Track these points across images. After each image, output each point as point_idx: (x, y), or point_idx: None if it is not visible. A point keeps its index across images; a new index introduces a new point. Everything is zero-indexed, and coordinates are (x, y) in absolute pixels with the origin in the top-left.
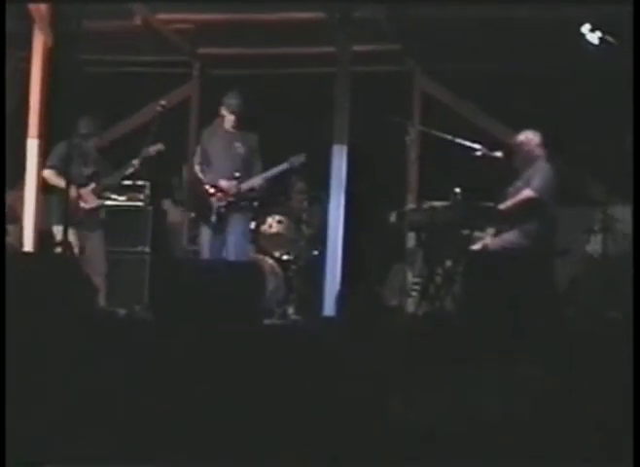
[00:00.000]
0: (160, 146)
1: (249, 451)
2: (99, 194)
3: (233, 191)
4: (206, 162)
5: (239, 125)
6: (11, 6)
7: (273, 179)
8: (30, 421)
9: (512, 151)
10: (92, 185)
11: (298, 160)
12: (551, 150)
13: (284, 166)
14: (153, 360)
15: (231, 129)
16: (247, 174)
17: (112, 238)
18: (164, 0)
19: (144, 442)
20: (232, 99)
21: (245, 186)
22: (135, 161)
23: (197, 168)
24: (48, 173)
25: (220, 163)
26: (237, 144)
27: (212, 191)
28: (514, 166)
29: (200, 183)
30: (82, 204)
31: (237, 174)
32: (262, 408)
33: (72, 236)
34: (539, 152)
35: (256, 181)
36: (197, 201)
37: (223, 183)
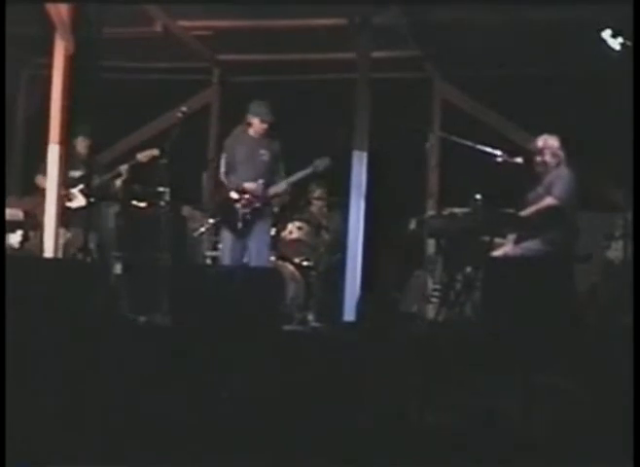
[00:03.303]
0: (153, 151)
1: (265, 455)
2: (88, 194)
3: (259, 196)
4: (231, 169)
5: (267, 133)
6: (31, 12)
7: (296, 184)
8: (31, 422)
9: (531, 156)
10: (81, 186)
11: (322, 163)
12: (572, 155)
13: (309, 170)
14: (170, 365)
15: (256, 136)
16: (271, 180)
17: (131, 244)
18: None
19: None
20: (263, 108)
21: (271, 191)
22: (123, 167)
23: (223, 175)
24: (39, 179)
25: (244, 170)
26: (262, 151)
27: (237, 197)
28: (534, 172)
29: (225, 189)
30: (68, 204)
31: (262, 180)
32: (281, 412)
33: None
34: (559, 157)
35: (281, 186)
36: (222, 208)
37: (248, 189)
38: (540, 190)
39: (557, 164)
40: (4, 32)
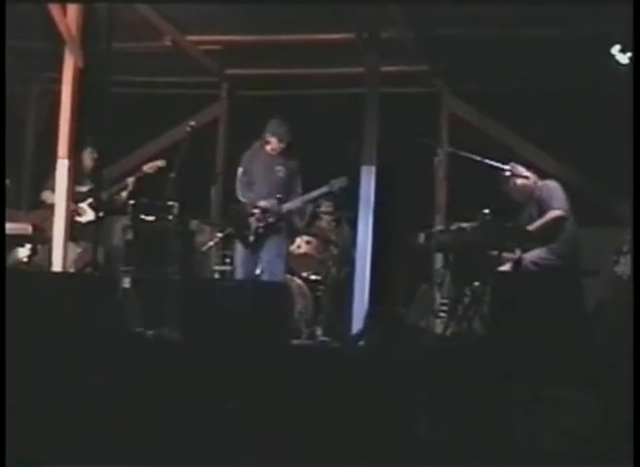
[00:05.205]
0: (159, 163)
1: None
2: (97, 209)
3: (273, 212)
4: (247, 184)
5: (284, 151)
6: (40, 26)
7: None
8: (33, 422)
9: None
10: (89, 200)
11: (339, 183)
12: (580, 169)
13: (325, 190)
14: (178, 378)
15: (273, 153)
16: (287, 197)
17: (140, 258)
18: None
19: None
20: (282, 128)
21: (285, 207)
22: (130, 179)
23: (239, 190)
24: (44, 195)
25: (260, 185)
26: (278, 167)
27: (252, 211)
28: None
29: (239, 203)
30: (77, 218)
31: (278, 196)
32: (290, 426)
33: (70, 249)
34: (529, 178)
35: (295, 203)
36: (236, 222)
37: (263, 204)
38: (532, 209)
39: (535, 183)
40: (4, 33)
